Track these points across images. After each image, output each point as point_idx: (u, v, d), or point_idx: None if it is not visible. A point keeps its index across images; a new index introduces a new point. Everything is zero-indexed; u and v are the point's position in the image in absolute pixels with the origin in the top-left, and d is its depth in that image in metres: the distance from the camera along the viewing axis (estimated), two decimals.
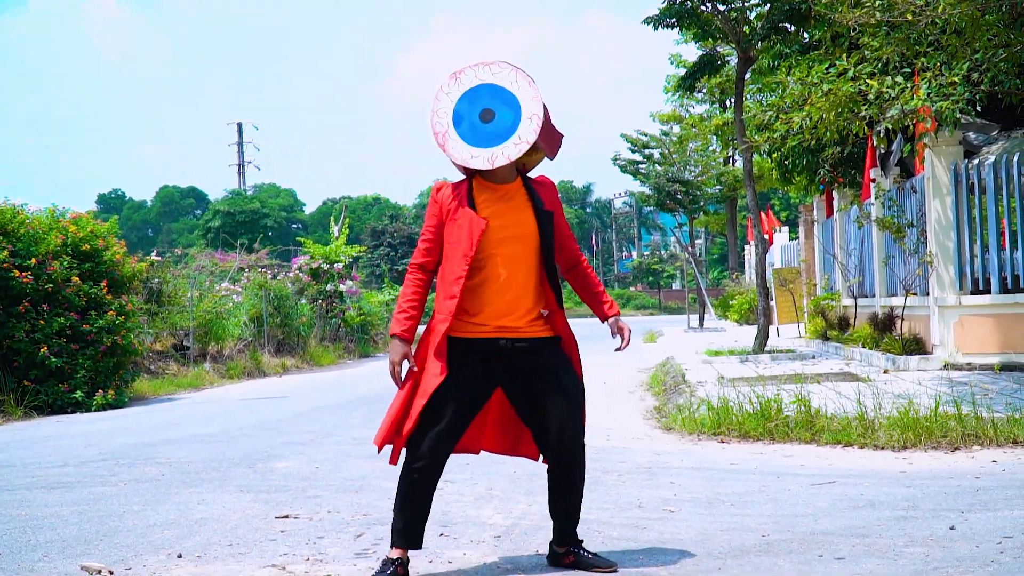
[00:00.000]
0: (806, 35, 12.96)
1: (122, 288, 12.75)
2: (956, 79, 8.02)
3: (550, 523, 3.90)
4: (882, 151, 12.42)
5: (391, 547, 3.69)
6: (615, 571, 3.73)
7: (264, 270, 21.12)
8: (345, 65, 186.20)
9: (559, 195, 3.93)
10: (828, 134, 8.93)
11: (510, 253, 3.71)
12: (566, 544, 3.83)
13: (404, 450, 3.69)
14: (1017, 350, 9.62)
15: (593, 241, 76.69)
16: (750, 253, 33.59)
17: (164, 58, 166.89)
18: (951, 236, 10.18)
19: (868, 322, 12.09)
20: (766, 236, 20.81)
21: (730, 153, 31.81)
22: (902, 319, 11.16)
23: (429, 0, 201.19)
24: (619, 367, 13.42)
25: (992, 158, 10.44)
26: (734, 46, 13.90)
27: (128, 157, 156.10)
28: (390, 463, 3.80)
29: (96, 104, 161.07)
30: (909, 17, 8.05)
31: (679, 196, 29.05)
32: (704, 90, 30.11)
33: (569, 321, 3.91)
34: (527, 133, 3.66)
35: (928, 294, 10.46)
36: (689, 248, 29.84)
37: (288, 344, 19.29)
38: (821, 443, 6.50)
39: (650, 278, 63.31)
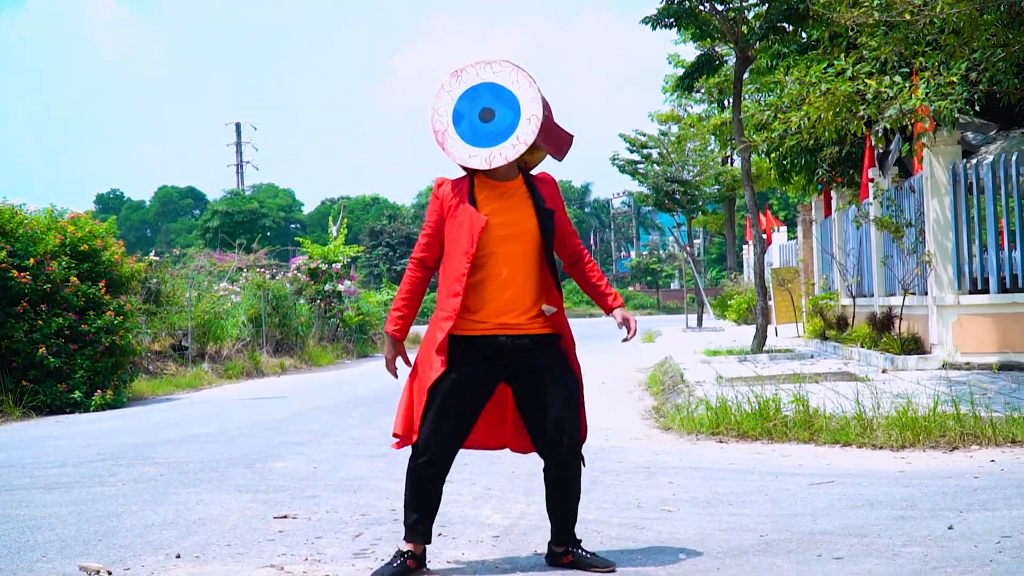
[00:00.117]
0: (804, 35, 12.95)
1: (120, 288, 12.75)
2: (954, 79, 8.02)
3: (548, 523, 3.89)
4: (880, 151, 12.42)
5: (403, 540, 3.77)
6: (613, 571, 3.73)
7: (262, 270, 21.11)
8: (344, 65, 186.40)
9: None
10: (826, 134, 8.93)
11: (511, 251, 3.72)
12: (564, 544, 3.83)
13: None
14: (1015, 350, 9.62)
15: (592, 241, 76.71)
16: (748, 253, 33.53)
17: (163, 58, 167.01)
18: (949, 236, 10.18)
19: (866, 322, 12.09)
20: (764, 236, 20.81)
21: (728, 153, 31.85)
22: (900, 319, 11.16)
23: (428, 0, 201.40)
24: (618, 367, 13.42)
25: (990, 158, 10.45)
26: (732, 46, 13.92)
27: (127, 157, 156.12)
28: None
29: (95, 104, 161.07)
30: (907, 17, 8.05)
31: (677, 196, 29.10)
32: (702, 90, 30.18)
33: (569, 321, 3.92)
34: (525, 134, 3.67)
35: (926, 294, 10.46)
36: (687, 248, 29.83)
37: (286, 344, 19.29)
38: (819, 443, 6.50)
39: (648, 278, 63.29)
